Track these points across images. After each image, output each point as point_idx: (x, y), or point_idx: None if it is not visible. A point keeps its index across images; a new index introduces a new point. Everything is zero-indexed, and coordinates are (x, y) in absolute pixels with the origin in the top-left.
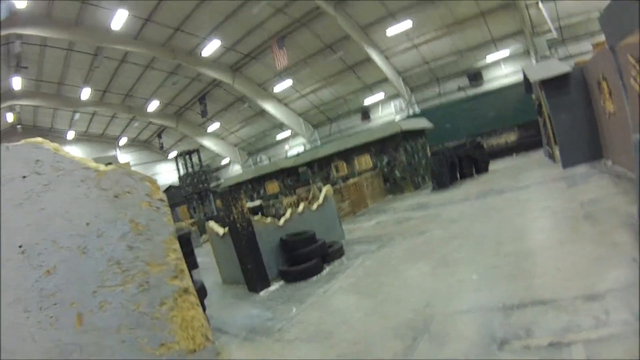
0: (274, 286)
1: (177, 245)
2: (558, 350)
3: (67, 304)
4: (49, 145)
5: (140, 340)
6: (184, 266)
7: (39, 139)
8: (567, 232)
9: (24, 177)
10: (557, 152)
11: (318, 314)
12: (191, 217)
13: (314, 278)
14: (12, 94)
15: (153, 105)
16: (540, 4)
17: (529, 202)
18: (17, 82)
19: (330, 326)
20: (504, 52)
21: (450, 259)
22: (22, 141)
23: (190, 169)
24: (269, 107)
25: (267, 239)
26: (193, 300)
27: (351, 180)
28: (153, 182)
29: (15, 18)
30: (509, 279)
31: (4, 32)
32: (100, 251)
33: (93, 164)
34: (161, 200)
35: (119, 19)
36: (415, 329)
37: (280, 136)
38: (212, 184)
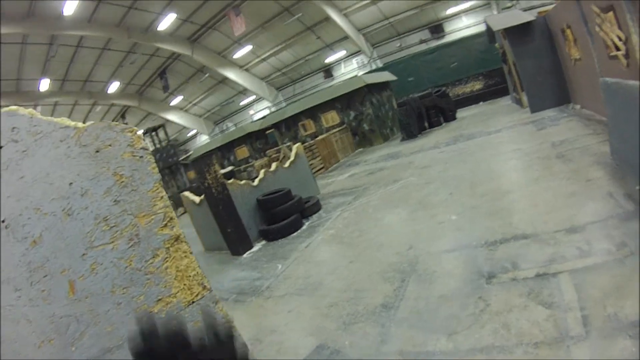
0: (257, 247)
1: (164, 193)
2: (545, 280)
3: (58, 273)
4: (24, 111)
5: (136, 300)
6: (173, 214)
7: (14, 107)
8: (541, 171)
9: (0, 147)
10: (524, 98)
11: (304, 268)
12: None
13: (295, 234)
14: None
15: (113, 87)
16: None
17: (500, 145)
18: None
19: (317, 278)
20: (465, 4)
21: (428, 202)
22: None
23: (157, 145)
24: (230, 74)
25: (243, 201)
26: (185, 249)
27: (320, 137)
28: (134, 132)
29: None
30: (488, 217)
31: None
32: (86, 210)
33: (72, 122)
34: (144, 149)
35: (71, 4)
36: (402, 270)
37: (244, 102)
38: (181, 157)
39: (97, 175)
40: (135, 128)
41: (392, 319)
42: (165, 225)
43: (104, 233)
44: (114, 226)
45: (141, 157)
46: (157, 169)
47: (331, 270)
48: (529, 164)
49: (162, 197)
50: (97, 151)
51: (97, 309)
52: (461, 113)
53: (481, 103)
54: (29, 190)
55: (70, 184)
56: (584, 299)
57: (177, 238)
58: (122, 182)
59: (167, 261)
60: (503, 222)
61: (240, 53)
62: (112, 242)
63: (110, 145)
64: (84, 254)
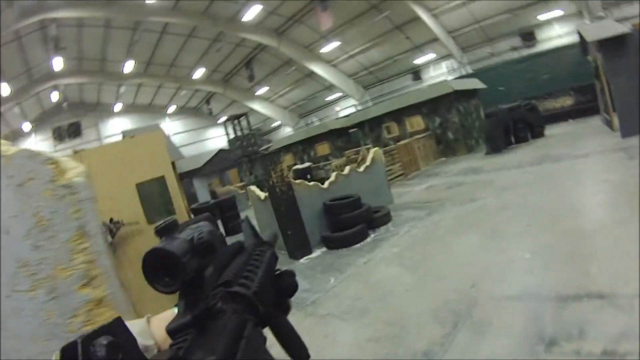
0: (316, 253)
1: (87, 245)
2: None
3: None
4: None
5: None
6: (98, 271)
7: None
8: (630, 211)
9: None
10: (615, 120)
11: (356, 287)
12: (241, 181)
13: (357, 245)
14: (53, 74)
15: (199, 73)
16: None
17: (587, 173)
18: (58, 63)
19: (366, 302)
20: (557, 12)
21: (502, 231)
22: None
23: (239, 133)
24: (317, 69)
25: (309, 204)
26: (112, 314)
27: (402, 142)
28: (59, 163)
29: (46, 3)
30: (565, 262)
31: (37, 18)
32: (7, 251)
33: (3, 148)
34: (66, 186)
35: None
36: (457, 313)
37: (330, 98)
38: (262, 147)
39: (20, 213)
40: (59, 160)
41: None
42: (87, 284)
43: (25, 279)
44: (33, 274)
45: (62, 196)
46: (80, 213)
47: (383, 295)
48: (617, 200)
49: (83, 250)
50: (20, 185)
51: (22, 351)
52: (549, 130)
53: (570, 121)
54: None
55: None
56: None
57: (100, 301)
58: (42, 225)
59: (88, 325)
60: (580, 272)
61: (327, 48)
62: (33, 290)
63: (32, 178)
64: (8, 296)
